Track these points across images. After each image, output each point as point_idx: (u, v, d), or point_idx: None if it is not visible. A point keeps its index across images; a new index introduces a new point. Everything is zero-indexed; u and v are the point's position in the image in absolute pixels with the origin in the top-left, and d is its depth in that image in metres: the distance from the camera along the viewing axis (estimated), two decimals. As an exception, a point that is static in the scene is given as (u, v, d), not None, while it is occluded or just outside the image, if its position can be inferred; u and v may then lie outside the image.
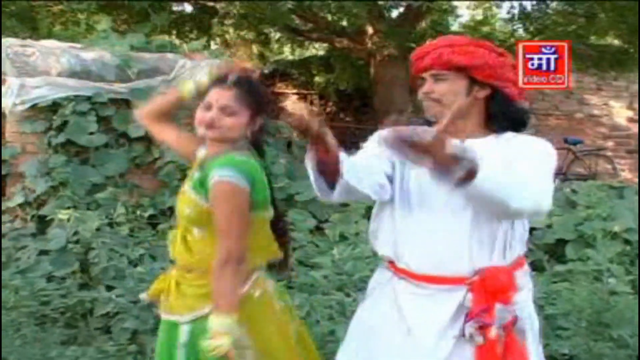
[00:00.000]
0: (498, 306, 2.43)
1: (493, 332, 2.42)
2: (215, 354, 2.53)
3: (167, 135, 3.03)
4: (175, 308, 2.79)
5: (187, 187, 2.79)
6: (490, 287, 2.45)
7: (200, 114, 2.76)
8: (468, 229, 2.47)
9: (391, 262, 2.62)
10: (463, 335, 2.45)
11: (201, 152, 2.84)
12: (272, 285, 2.88)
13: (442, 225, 2.49)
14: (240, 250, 2.64)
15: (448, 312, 2.48)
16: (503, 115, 2.53)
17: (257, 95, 2.83)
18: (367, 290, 2.79)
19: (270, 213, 2.85)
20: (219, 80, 2.79)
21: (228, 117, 2.73)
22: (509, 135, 2.54)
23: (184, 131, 3.02)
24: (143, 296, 3.04)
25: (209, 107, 2.74)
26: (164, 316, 2.85)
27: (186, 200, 2.77)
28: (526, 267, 2.64)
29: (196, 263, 2.75)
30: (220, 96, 2.74)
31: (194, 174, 2.79)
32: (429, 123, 2.53)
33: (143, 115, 3.08)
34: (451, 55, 2.48)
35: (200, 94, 2.83)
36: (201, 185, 2.72)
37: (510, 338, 2.45)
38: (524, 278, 2.58)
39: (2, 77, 7.24)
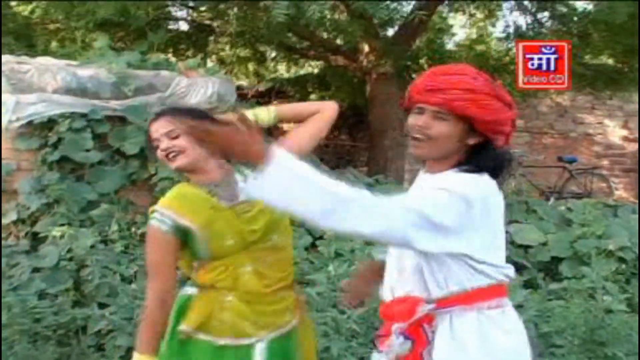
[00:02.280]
0: (392, 336, 2.38)
1: (384, 358, 2.42)
2: None
3: None
4: (252, 330, 2.75)
5: (251, 201, 2.78)
6: (387, 315, 2.47)
7: (158, 152, 2.81)
8: (397, 257, 2.51)
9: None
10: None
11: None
12: None
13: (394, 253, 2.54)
14: None
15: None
16: (483, 162, 2.41)
17: (190, 112, 2.86)
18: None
19: None
20: (151, 118, 2.87)
21: (177, 140, 2.77)
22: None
23: None
24: (184, 328, 2.74)
25: (158, 142, 2.80)
26: (234, 341, 2.75)
27: (259, 211, 2.82)
28: (480, 304, 2.42)
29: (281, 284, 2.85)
30: (157, 127, 2.80)
31: (235, 186, 2.86)
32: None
33: None
34: (468, 106, 2.34)
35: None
36: None
37: None
38: (442, 316, 2.41)
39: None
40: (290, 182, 2.05)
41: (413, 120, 2.44)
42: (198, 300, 2.76)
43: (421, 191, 2.38)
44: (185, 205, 2.75)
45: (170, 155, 2.76)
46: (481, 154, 2.41)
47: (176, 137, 2.76)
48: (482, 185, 2.36)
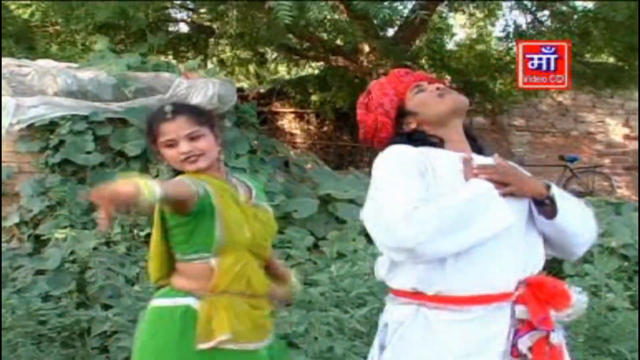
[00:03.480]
0: (552, 312, 2.36)
1: (554, 339, 2.36)
2: None
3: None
4: (258, 336, 2.74)
5: (260, 204, 2.85)
6: (542, 295, 2.36)
7: (171, 153, 2.73)
8: (516, 241, 2.41)
9: (415, 294, 2.41)
10: (512, 352, 2.34)
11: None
12: None
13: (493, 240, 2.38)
14: None
15: (501, 331, 2.35)
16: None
17: (202, 112, 2.84)
18: (388, 332, 2.49)
19: None
20: (161, 115, 2.75)
21: (200, 142, 2.72)
22: None
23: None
24: (225, 337, 2.60)
25: (174, 144, 2.71)
26: (257, 345, 2.73)
27: (268, 218, 2.86)
28: None
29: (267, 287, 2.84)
30: (176, 128, 2.71)
31: (249, 189, 2.86)
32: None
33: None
34: None
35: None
36: (262, 193, 2.92)
37: (556, 349, 2.40)
38: None
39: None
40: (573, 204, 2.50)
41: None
42: (214, 311, 2.63)
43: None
44: (211, 183, 2.70)
45: (192, 159, 2.70)
46: None
47: (198, 139, 2.71)
48: None
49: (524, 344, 2.33)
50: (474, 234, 2.29)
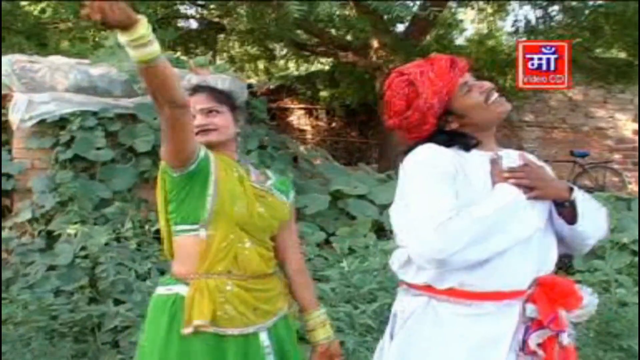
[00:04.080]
0: (562, 313, 2.37)
1: (565, 339, 2.37)
2: None
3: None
4: (254, 318, 2.72)
5: (273, 191, 2.88)
6: (553, 295, 2.37)
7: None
8: (535, 242, 2.41)
9: (427, 287, 2.43)
10: (522, 349, 2.36)
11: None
12: None
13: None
14: None
15: (510, 328, 2.37)
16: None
17: (226, 93, 2.91)
18: (397, 322, 2.53)
19: None
20: (191, 90, 2.85)
21: (215, 117, 2.78)
22: None
23: None
24: (199, 323, 2.62)
25: (193, 117, 2.74)
26: (242, 331, 2.71)
27: (277, 204, 2.86)
28: None
29: (272, 267, 2.84)
30: (196, 101, 2.78)
31: (266, 178, 2.91)
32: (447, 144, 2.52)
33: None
34: None
35: None
36: (284, 187, 2.93)
37: (567, 348, 2.41)
38: None
39: (9, 92, 7.28)
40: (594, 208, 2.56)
41: (487, 84, 2.60)
42: (197, 295, 2.65)
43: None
44: (217, 157, 2.75)
45: (205, 131, 2.76)
46: None
47: (215, 115, 2.78)
48: None
49: (533, 341, 2.34)
50: (504, 242, 2.31)
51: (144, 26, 2.27)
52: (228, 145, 2.82)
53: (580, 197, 2.49)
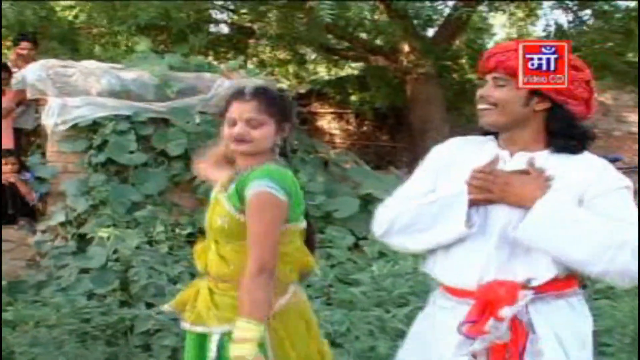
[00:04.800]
0: (490, 321, 2.32)
1: (476, 345, 2.33)
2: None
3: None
4: (207, 319, 2.72)
5: (220, 197, 2.77)
6: (485, 300, 2.36)
7: (227, 131, 2.76)
8: (493, 245, 2.40)
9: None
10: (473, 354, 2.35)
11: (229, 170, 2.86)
12: (305, 298, 2.88)
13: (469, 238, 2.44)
14: (273, 261, 2.62)
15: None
16: (560, 132, 2.41)
17: (279, 103, 2.83)
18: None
19: (303, 224, 2.83)
20: (238, 94, 2.80)
21: (256, 130, 2.73)
22: (565, 155, 2.43)
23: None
24: (166, 307, 2.97)
25: (234, 123, 2.74)
26: (191, 327, 2.78)
27: (219, 211, 2.75)
28: (567, 291, 2.44)
29: (231, 274, 2.71)
30: (242, 110, 2.74)
31: (229, 186, 2.76)
32: (485, 133, 2.53)
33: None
34: (515, 61, 2.39)
35: None
36: (237, 196, 2.70)
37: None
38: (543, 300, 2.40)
39: (44, 97, 7.36)
40: (562, 225, 2.29)
41: (478, 92, 2.51)
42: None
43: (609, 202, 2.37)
44: (285, 180, 2.76)
45: (246, 139, 2.73)
46: (554, 121, 2.42)
47: (256, 127, 2.73)
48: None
49: (477, 345, 2.34)
50: (432, 238, 2.46)
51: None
52: (259, 156, 2.77)
53: (550, 210, 2.31)
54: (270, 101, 2.79)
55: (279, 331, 2.67)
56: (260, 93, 2.79)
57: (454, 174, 2.48)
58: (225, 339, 2.64)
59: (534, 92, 2.39)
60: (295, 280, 2.81)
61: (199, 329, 2.75)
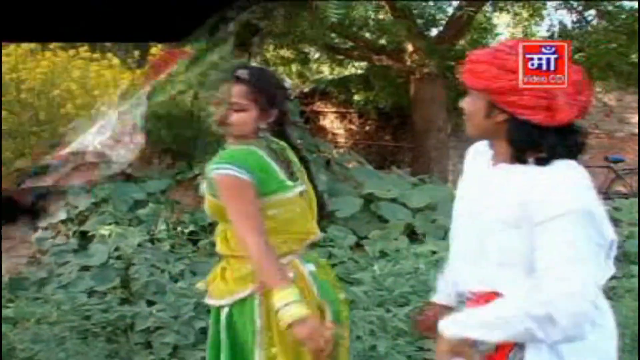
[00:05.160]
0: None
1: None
2: (290, 322, 2.59)
3: None
4: (217, 293, 2.89)
5: (204, 187, 2.91)
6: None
7: (216, 109, 2.89)
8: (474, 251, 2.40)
9: None
10: None
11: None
12: (309, 269, 2.91)
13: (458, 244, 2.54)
14: (260, 233, 2.69)
15: None
16: (519, 144, 2.29)
17: (266, 89, 2.87)
18: None
19: (292, 192, 2.90)
20: (233, 74, 2.86)
21: (236, 113, 2.81)
22: (534, 170, 2.27)
23: None
24: (199, 284, 3.10)
25: (221, 102, 2.86)
26: (208, 301, 2.97)
27: (206, 200, 2.89)
28: None
29: (232, 250, 2.85)
30: (229, 92, 2.83)
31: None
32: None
33: None
34: (467, 76, 2.32)
35: None
36: (209, 182, 2.81)
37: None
38: None
39: None
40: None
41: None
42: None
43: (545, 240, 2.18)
44: (243, 158, 2.83)
45: (226, 122, 2.84)
46: (512, 132, 2.29)
47: (237, 111, 2.82)
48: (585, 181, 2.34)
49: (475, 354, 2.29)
50: None
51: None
52: (241, 137, 2.87)
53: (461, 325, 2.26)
54: (257, 87, 2.84)
55: (269, 300, 2.73)
56: (251, 76, 2.84)
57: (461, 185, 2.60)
58: (234, 309, 2.83)
59: (493, 104, 2.30)
60: (295, 250, 2.89)
61: (212, 302, 2.93)
